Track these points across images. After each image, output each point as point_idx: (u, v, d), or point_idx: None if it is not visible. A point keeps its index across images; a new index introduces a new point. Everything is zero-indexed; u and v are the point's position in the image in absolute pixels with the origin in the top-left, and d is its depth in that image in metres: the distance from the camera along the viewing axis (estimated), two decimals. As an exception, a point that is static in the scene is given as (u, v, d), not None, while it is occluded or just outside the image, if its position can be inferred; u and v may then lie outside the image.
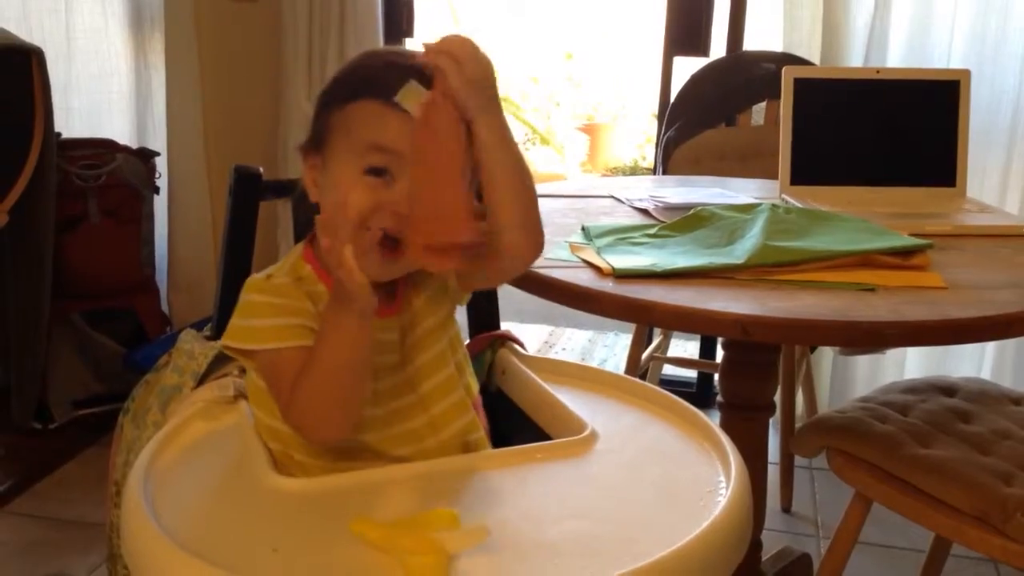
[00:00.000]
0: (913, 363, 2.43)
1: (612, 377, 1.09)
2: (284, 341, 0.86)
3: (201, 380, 1.04)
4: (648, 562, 0.73)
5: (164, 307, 2.73)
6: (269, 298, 0.89)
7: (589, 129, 6.06)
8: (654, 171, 2.52)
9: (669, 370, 2.71)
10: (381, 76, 0.89)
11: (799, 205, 1.63)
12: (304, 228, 0.94)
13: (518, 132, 5.96)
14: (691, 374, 2.82)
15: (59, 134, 2.34)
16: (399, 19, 2.72)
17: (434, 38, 0.84)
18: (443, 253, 0.83)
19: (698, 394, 2.75)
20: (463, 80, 0.82)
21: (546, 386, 1.05)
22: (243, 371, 1.02)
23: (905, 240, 1.40)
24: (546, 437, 1.00)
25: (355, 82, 0.91)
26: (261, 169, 1.14)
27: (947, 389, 1.65)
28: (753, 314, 1.19)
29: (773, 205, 1.53)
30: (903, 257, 1.36)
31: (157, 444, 0.91)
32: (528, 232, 0.90)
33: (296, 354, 0.86)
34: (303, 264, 0.93)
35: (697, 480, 0.88)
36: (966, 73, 1.76)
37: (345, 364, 0.83)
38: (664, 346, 2.53)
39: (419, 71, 0.85)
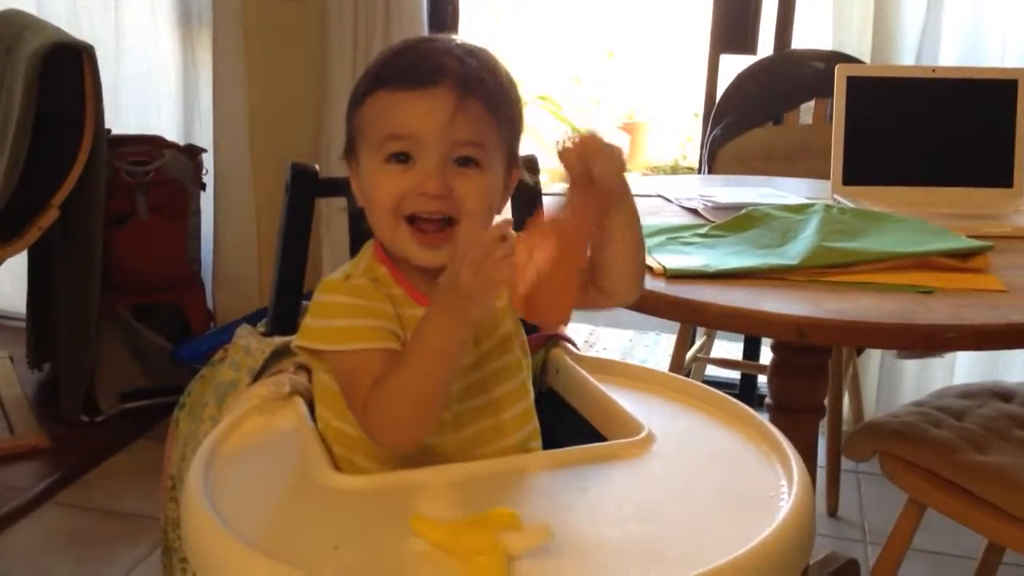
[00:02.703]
0: (963, 367, 2.39)
1: (667, 378, 1.08)
2: (365, 342, 0.85)
3: (257, 376, 1.04)
4: (714, 567, 0.72)
5: (209, 302, 2.76)
6: (348, 299, 0.88)
7: (630, 128, 6.02)
8: (699, 170, 2.50)
9: (712, 371, 2.69)
10: (390, 65, 0.90)
11: (852, 205, 1.61)
12: (359, 227, 0.94)
13: (558, 131, 5.95)
14: (734, 375, 2.79)
15: (109, 130, 2.37)
16: (444, 17, 2.72)
17: (574, 141, 0.84)
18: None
19: (742, 395, 2.71)
20: (610, 176, 0.83)
21: (601, 386, 1.04)
22: (299, 367, 1.02)
23: (964, 242, 1.38)
24: (598, 438, 0.99)
25: (368, 79, 0.91)
26: (317, 167, 1.14)
27: (1004, 394, 1.62)
28: (809, 316, 1.17)
29: (827, 205, 1.51)
30: (961, 259, 1.34)
31: (215, 439, 0.92)
32: (637, 286, 0.94)
33: (376, 356, 0.85)
34: (377, 265, 0.92)
35: (758, 484, 0.86)
36: (1024, 72, 1.73)
37: (440, 372, 0.82)
38: (708, 347, 2.51)
39: (440, 51, 0.87)
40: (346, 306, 0.87)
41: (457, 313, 0.80)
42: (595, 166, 0.82)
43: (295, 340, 0.90)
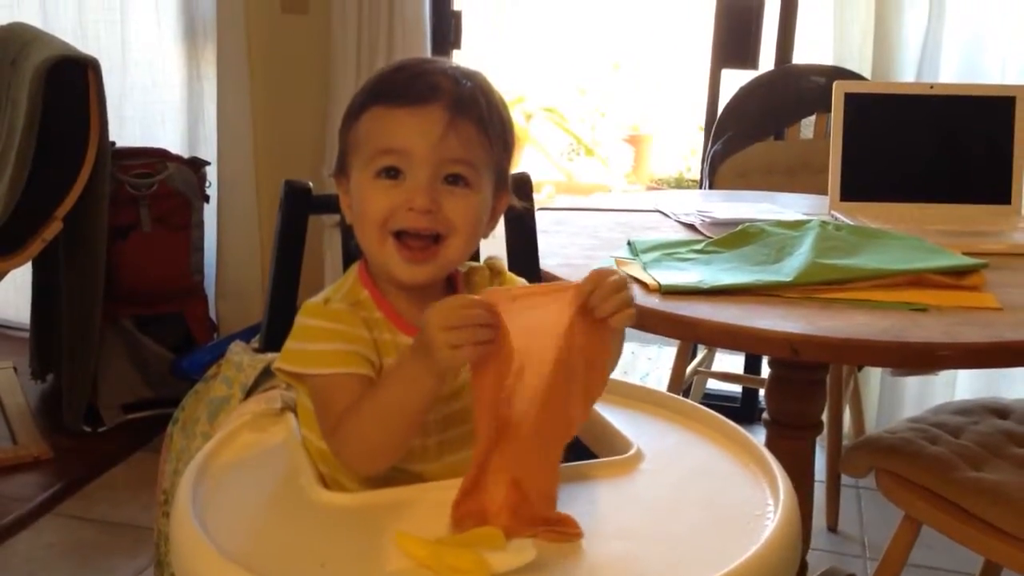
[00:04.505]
0: (964, 384, 2.38)
1: (658, 395, 1.08)
2: (336, 367, 0.87)
3: (249, 392, 1.05)
4: (696, 586, 0.72)
5: (212, 313, 2.77)
6: (324, 323, 0.89)
7: (634, 140, 6.03)
8: (700, 185, 2.51)
9: (713, 385, 2.69)
10: (385, 83, 0.92)
11: (849, 222, 1.61)
12: (352, 247, 0.95)
13: (562, 143, 5.96)
14: (735, 389, 2.79)
15: (113, 143, 2.39)
16: (447, 31, 2.73)
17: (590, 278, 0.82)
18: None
19: (742, 409, 2.72)
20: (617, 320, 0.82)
21: (591, 403, 1.05)
22: (290, 385, 1.03)
23: (959, 259, 1.38)
24: (589, 455, 1.00)
25: (363, 96, 0.93)
26: (311, 184, 1.15)
27: (1000, 411, 1.62)
28: (802, 333, 1.17)
29: (823, 222, 1.51)
30: (956, 277, 1.34)
31: (206, 455, 0.92)
32: None
33: (346, 380, 0.86)
34: (360, 288, 0.93)
35: (744, 502, 0.87)
36: (1022, 89, 1.73)
37: (408, 411, 0.83)
38: (708, 361, 2.51)
39: (436, 72, 0.88)
40: (322, 330, 0.89)
41: (425, 363, 0.80)
42: (601, 308, 0.81)
43: (275, 363, 0.91)
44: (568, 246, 1.53)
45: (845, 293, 1.29)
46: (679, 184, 5.74)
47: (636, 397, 1.09)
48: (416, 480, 0.89)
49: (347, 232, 0.97)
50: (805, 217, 1.61)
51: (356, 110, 0.92)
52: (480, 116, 0.89)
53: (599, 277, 0.82)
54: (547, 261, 1.35)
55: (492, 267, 1.00)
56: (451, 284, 0.97)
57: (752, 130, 2.36)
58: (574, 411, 0.82)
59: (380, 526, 0.81)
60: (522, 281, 1.01)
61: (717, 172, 2.33)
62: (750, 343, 1.25)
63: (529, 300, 0.83)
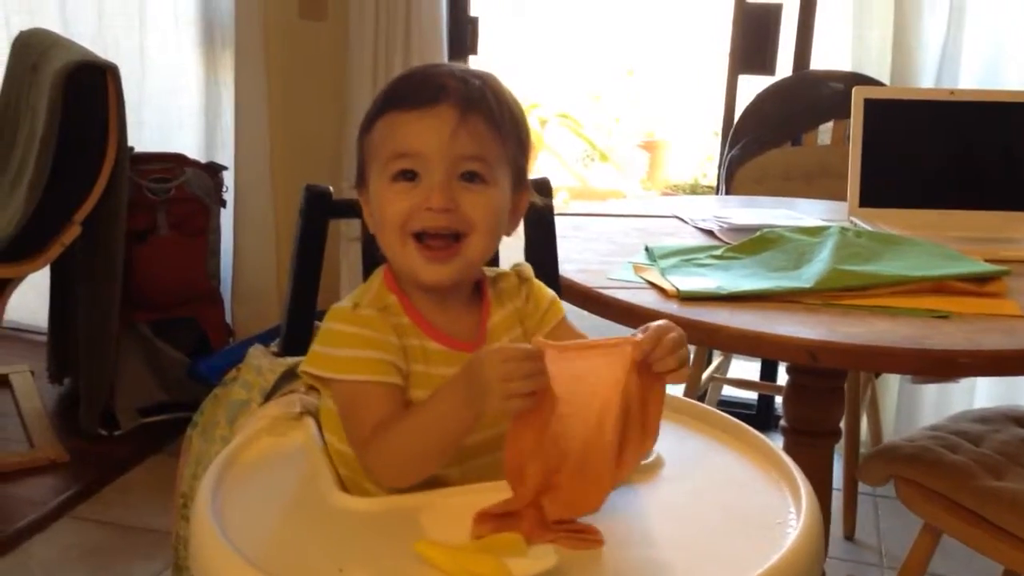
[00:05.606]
0: (983, 391, 2.36)
1: (678, 402, 1.08)
2: (366, 374, 0.87)
3: (268, 396, 1.05)
4: (718, 594, 0.72)
5: (228, 318, 2.77)
6: (355, 328, 0.89)
7: (649, 146, 6.02)
8: (716, 190, 2.50)
9: (728, 391, 2.68)
10: (393, 90, 0.93)
11: (868, 228, 1.61)
12: (378, 257, 0.95)
13: (577, 149, 5.96)
14: (751, 396, 2.78)
15: (131, 148, 2.40)
16: (463, 36, 2.74)
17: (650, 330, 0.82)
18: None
19: (758, 416, 2.71)
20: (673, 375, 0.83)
21: (611, 409, 1.04)
22: (310, 388, 1.03)
23: (981, 266, 1.37)
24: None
25: (376, 105, 0.93)
26: (331, 188, 1.16)
27: (1021, 419, 1.61)
28: (821, 339, 1.17)
29: (842, 228, 1.51)
30: (978, 284, 1.33)
31: (225, 459, 0.92)
32: None
33: (376, 389, 0.86)
34: (387, 293, 0.93)
35: (766, 510, 0.86)
36: (1044, 95, 1.72)
37: (444, 436, 0.83)
38: (724, 367, 2.50)
39: (444, 74, 0.89)
40: (352, 336, 0.89)
41: (472, 401, 0.80)
42: (660, 364, 0.82)
43: (301, 365, 0.91)
44: (585, 251, 1.53)
45: (865, 299, 1.28)
46: (694, 190, 5.73)
47: (655, 403, 1.08)
48: (438, 483, 0.89)
49: (368, 244, 0.97)
50: (824, 223, 1.61)
51: (369, 121, 0.93)
52: (490, 111, 0.90)
53: (660, 333, 0.82)
54: (565, 267, 1.35)
55: (520, 274, 1.00)
56: (479, 290, 0.97)
57: (769, 136, 2.35)
58: (628, 456, 0.82)
59: (400, 531, 0.81)
60: (551, 293, 1.01)
61: (734, 178, 2.33)
62: (769, 349, 1.24)
63: (580, 353, 0.82)
